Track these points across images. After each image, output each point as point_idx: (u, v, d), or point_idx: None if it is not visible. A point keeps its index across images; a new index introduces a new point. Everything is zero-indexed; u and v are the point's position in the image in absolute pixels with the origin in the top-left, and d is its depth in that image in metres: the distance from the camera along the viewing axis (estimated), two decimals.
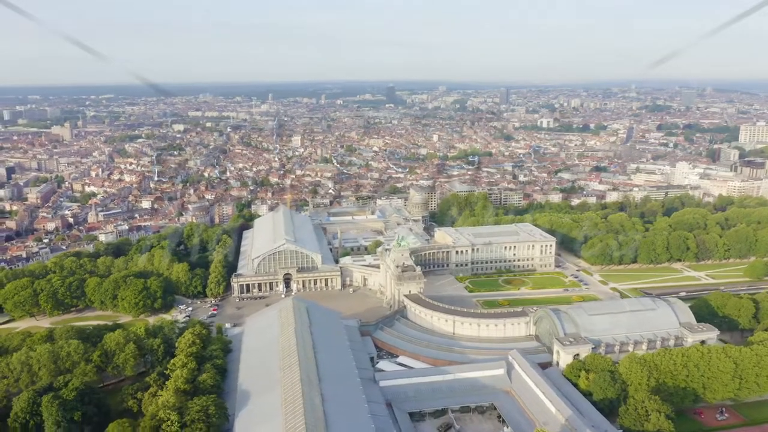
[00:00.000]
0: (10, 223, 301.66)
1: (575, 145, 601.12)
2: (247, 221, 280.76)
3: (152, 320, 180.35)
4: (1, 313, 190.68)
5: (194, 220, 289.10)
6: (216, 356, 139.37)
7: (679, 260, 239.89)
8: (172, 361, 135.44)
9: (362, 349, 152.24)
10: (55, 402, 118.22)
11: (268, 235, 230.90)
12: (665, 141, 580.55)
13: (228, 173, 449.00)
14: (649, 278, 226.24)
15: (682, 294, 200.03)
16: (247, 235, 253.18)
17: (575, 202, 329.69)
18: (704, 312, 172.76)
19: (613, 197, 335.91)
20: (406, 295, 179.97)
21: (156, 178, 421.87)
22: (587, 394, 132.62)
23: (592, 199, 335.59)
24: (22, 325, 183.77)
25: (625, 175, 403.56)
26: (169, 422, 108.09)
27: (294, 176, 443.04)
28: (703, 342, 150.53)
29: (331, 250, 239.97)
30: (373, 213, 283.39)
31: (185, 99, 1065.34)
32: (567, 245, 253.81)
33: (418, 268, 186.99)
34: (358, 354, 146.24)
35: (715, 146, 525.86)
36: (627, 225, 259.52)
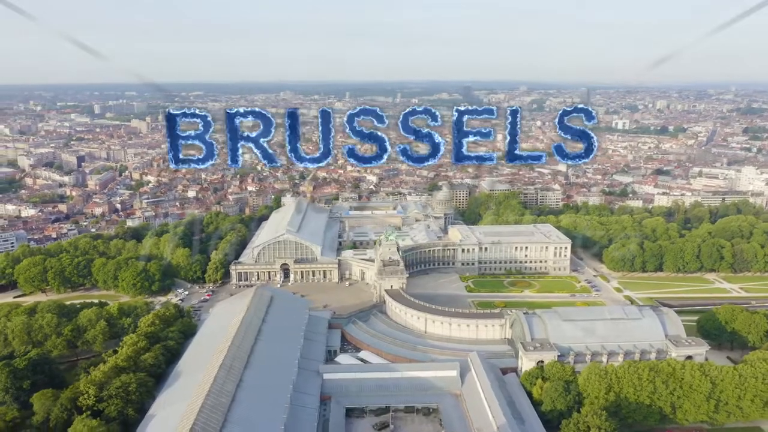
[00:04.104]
0: (63, 207, 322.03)
1: (648, 147, 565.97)
2: (271, 212, 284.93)
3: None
4: (15, 288, 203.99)
5: (221, 210, 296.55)
6: (171, 338, 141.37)
7: (713, 270, 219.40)
8: (124, 338, 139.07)
9: (322, 342, 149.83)
10: (5, 369, 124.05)
11: (275, 226, 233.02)
12: (748, 145, 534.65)
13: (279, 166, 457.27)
14: (672, 288, 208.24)
15: (710, 307, 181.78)
16: (263, 225, 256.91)
17: (618, 204, 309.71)
18: (710, 326, 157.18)
19: (662, 201, 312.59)
20: (386, 290, 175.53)
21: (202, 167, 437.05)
22: (539, 404, 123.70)
23: (638, 203, 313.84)
24: (31, 300, 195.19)
25: (685, 180, 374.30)
26: (86, 395, 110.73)
27: (341, 171, 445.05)
28: (689, 357, 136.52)
29: (340, 243, 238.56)
30: (394, 208, 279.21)
31: (265, 96, 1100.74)
32: (591, 249, 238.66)
33: (401, 263, 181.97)
34: (313, 345, 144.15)
35: None
36: (660, 230, 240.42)
